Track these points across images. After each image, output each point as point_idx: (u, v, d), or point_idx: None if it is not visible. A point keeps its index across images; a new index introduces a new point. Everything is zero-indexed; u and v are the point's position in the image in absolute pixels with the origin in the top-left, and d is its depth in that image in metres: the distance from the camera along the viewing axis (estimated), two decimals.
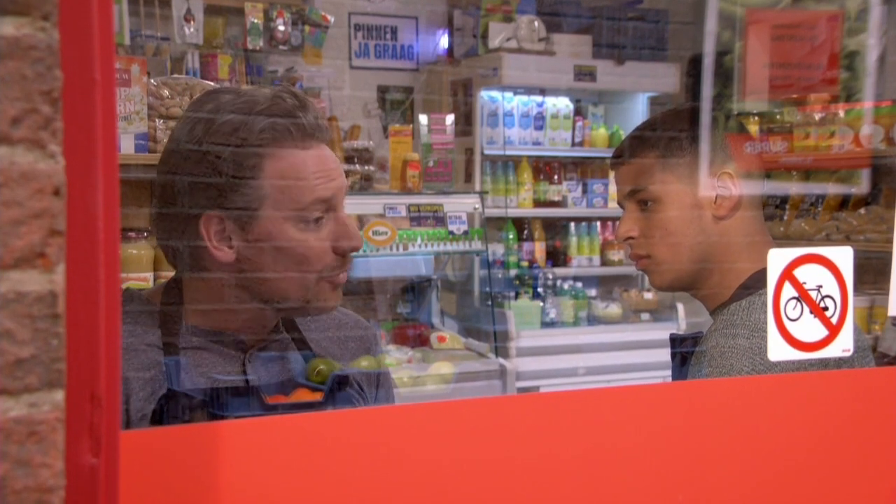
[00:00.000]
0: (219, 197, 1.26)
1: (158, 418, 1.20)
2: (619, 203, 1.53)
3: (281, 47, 4.59)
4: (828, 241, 3.29)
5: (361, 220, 3.81)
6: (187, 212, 1.27)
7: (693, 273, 1.47)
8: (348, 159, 3.91)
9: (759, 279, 1.39)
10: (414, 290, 4.41)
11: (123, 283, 1.72)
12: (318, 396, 1.25)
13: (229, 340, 1.32)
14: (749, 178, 1.47)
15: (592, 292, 5.07)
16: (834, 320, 1.07)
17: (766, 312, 1.32)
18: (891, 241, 1.18)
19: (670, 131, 1.47)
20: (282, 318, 1.38)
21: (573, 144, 5.16)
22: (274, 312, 1.35)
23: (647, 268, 1.50)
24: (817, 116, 3.23)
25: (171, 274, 1.42)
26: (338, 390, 1.25)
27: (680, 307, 4.75)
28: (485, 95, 4.90)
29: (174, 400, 1.20)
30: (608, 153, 5.17)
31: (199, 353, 1.30)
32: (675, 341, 1.53)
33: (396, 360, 3.69)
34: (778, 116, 3.33)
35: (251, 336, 1.34)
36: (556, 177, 5.14)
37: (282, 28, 4.54)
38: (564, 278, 5.05)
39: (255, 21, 4.48)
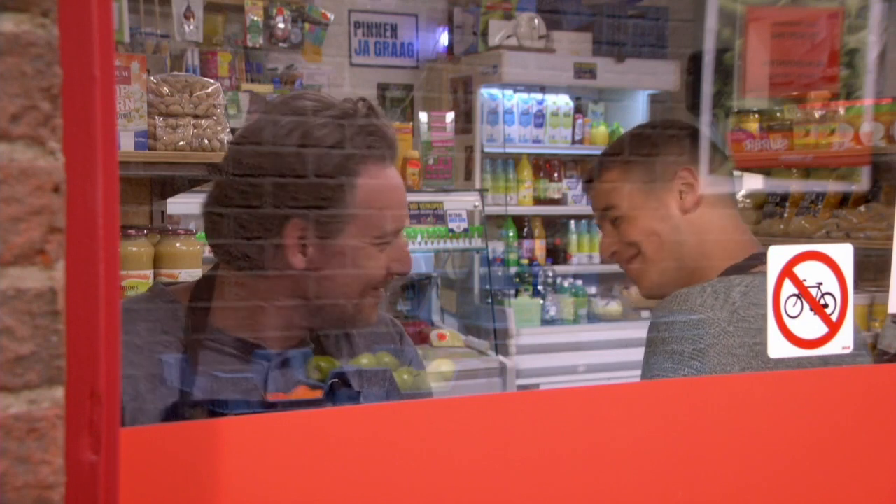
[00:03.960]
0: (310, 204, 1.25)
1: (160, 414, 1.20)
2: (597, 224, 1.58)
3: (281, 45, 4.58)
4: (828, 238, 3.29)
5: None
6: (274, 212, 1.26)
7: (675, 276, 1.50)
8: None
9: (732, 271, 1.41)
10: (414, 287, 4.41)
11: (123, 280, 1.72)
12: (317, 394, 1.25)
13: (250, 348, 1.31)
14: (715, 175, 1.50)
15: (592, 290, 5.07)
16: (834, 317, 1.07)
17: (704, 296, 1.34)
18: (891, 239, 1.18)
19: (634, 153, 1.51)
20: (312, 331, 1.37)
21: (573, 142, 5.16)
22: (310, 323, 1.34)
23: (634, 278, 1.55)
24: (817, 114, 3.22)
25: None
26: (337, 388, 1.25)
27: None
28: (485, 93, 4.90)
29: (177, 397, 1.20)
30: None
31: (216, 356, 1.30)
32: None
33: None
34: (778, 114, 3.32)
35: (274, 346, 1.33)
36: (556, 174, 5.14)
37: (282, 25, 4.54)
38: (564, 276, 5.05)
39: (255, 18, 4.48)
